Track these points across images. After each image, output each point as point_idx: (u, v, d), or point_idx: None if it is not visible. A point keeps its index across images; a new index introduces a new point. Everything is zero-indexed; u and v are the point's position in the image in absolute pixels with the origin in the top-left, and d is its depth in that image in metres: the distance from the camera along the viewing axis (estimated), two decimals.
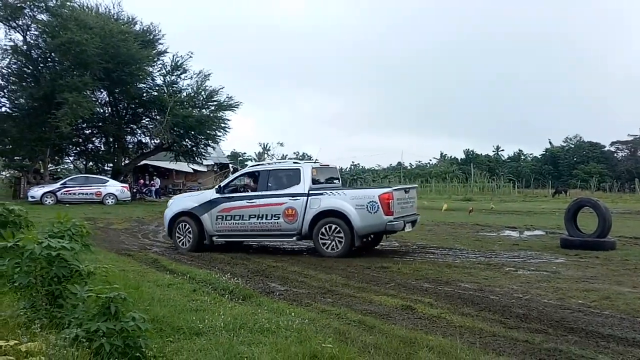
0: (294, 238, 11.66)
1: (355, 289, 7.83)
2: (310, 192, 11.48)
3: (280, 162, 13.06)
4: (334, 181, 12.79)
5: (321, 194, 11.42)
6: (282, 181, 11.99)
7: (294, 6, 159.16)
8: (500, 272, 9.31)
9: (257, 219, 11.77)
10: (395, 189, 11.23)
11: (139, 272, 8.85)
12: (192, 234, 12.30)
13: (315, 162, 12.64)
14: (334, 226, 11.12)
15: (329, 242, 11.16)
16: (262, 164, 13.71)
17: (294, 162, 12.67)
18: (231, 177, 13.46)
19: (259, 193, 11.96)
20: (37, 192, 29.21)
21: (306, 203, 11.41)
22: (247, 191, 12.51)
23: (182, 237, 12.47)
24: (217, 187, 12.86)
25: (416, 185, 14.13)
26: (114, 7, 37.39)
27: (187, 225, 12.38)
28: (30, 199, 28.61)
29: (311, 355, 4.54)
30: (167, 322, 5.48)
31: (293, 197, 11.53)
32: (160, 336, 4.96)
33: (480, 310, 6.56)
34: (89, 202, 29.09)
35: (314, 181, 11.73)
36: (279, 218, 11.57)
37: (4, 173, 46.35)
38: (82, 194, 29.81)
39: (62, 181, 31.22)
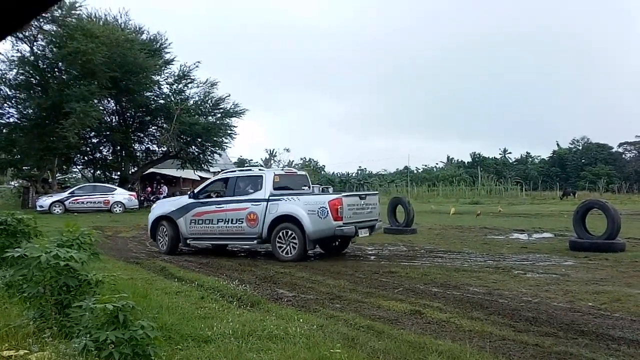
0: (255, 242, 12.11)
1: (364, 294, 7.81)
2: (270, 197, 11.86)
3: (246, 169, 13.74)
4: (303, 188, 13.09)
5: (279, 199, 11.78)
6: (247, 187, 12.46)
7: (301, 10, 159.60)
8: (509, 275, 9.27)
9: (224, 223, 12.32)
10: (345, 196, 11.61)
11: (147, 280, 8.86)
12: (169, 237, 12.99)
13: (282, 169, 13.35)
14: (289, 231, 11.45)
15: (285, 246, 11.51)
16: (233, 171, 14.43)
17: (259, 169, 13.22)
18: (204, 183, 14.00)
19: (227, 198, 12.54)
20: (45, 201, 29.37)
21: (266, 208, 11.81)
22: (218, 197, 13.04)
23: (162, 240, 13.19)
24: (190, 192, 13.59)
25: (377, 192, 14.31)
26: (121, 17, 37.64)
27: (165, 229, 13.11)
28: (38, 208, 28.77)
29: None
30: (176, 329, 5.47)
31: (255, 202, 11.99)
32: (169, 344, 4.95)
33: (489, 314, 6.53)
34: (97, 211, 29.22)
35: (278, 187, 12.13)
36: (242, 222, 12.06)
37: (12, 183, 46.67)
38: (90, 202, 29.94)
39: (70, 190, 31.35)
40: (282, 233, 11.53)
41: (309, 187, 13.42)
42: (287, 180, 12.76)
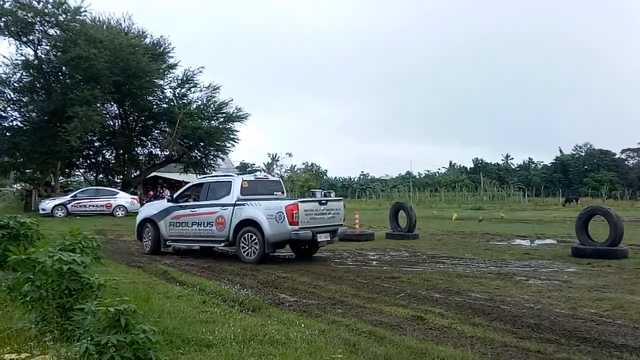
0: (223, 244, 12.84)
1: (365, 300, 7.80)
2: (236, 202, 12.45)
3: (219, 175, 14.66)
4: (276, 193, 13.49)
5: (243, 204, 12.35)
6: (218, 192, 13.05)
7: (301, 13, 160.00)
8: (511, 281, 9.25)
9: (197, 226, 13.08)
10: (301, 201, 12.13)
11: (148, 284, 8.87)
12: (152, 238, 13.88)
13: (253, 175, 14.15)
14: (251, 234, 11.99)
15: (248, 248, 12.06)
16: (207, 177, 15.12)
17: (230, 175, 13.96)
18: (183, 188, 14.77)
19: (200, 202, 13.27)
20: (48, 204, 29.43)
21: (232, 212, 12.43)
22: (194, 201, 13.71)
23: (146, 240, 14.11)
24: (168, 197, 14.83)
25: (340, 198, 14.69)
26: (124, 21, 37.81)
27: (149, 230, 14.02)
28: (41, 211, 28.84)
29: None
30: (177, 334, 5.47)
31: (223, 206, 12.64)
32: (170, 348, 4.95)
33: (491, 320, 6.51)
34: (100, 214, 29.27)
35: (247, 193, 12.67)
36: (212, 225, 12.76)
37: (15, 186, 46.73)
38: (93, 206, 29.99)
39: (73, 193, 31.42)
40: (246, 236, 12.09)
41: (283, 193, 13.88)
42: (257, 185, 13.24)
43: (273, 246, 11.94)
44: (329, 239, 12.42)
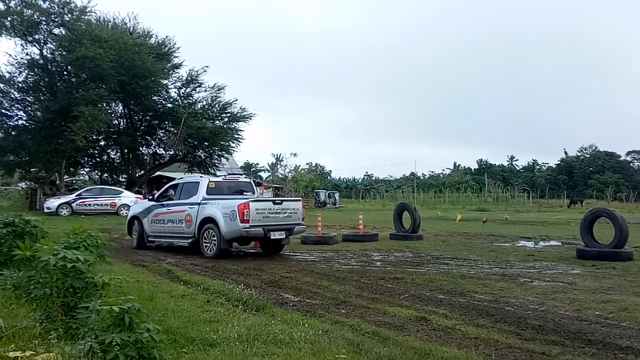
0: (190, 240, 13.47)
1: (369, 300, 7.79)
2: (201, 202, 13.32)
3: (191, 176, 15.61)
4: (246, 193, 14.34)
5: (206, 203, 13.20)
6: (189, 192, 13.97)
7: (307, 16, 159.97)
8: (515, 283, 9.22)
9: (171, 223, 14.03)
10: (253, 201, 12.78)
11: (153, 283, 8.87)
12: (138, 234, 14.98)
13: (223, 176, 14.98)
14: (211, 231, 12.82)
15: (208, 244, 12.89)
16: (183, 178, 16.15)
17: (200, 176, 15.06)
18: (163, 188, 15.78)
19: (175, 202, 14.22)
20: (53, 203, 29.52)
21: (197, 211, 13.27)
22: (170, 200, 14.55)
23: (134, 236, 15.19)
24: (149, 196, 15.91)
25: (299, 199, 15.54)
26: (129, 20, 37.93)
27: (136, 227, 15.11)
28: (46, 210, 28.93)
29: None
30: (181, 333, 5.47)
31: (191, 205, 13.52)
32: (174, 347, 4.95)
33: (495, 321, 6.49)
34: (104, 213, 29.33)
35: (213, 193, 13.52)
36: (182, 223, 13.66)
37: (20, 184, 46.91)
38: (97, 205, 30.07)
39: (78, 192, 31.51)
40: (206, 233, 12.95)
41: (254, 193, 14.67)
42: (225, 186, 14.24)
43: (228, 242, 12.70)
44: (284, 236, 12.95)
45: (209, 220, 12.85)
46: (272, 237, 12.70)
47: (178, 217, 13.75)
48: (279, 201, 13.45)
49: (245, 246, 14.54)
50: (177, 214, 13.81)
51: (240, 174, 17.54)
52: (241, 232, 12.33)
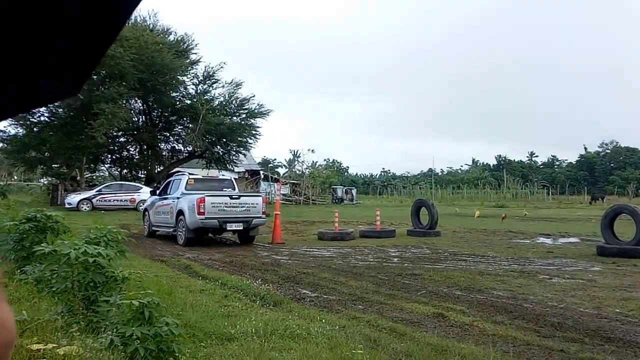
0: (172, 230, 15.08)
1: (386, 296, 7.79)
2: (179, 196, 14.85)
3: (180, 174, 17.32)
4: (225, 190, 15.71)
5: (181, 198, 14.71)
6: (175, 187, 15.63)
7: (330, 13, 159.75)
8: (534, 279, 9.15)
9: (163, 215, 15.72)
10: (208, 195, 14.01)
11: (171, 278, 8.96)
12: (148, 224, 16.82)
13: (204, 175, 17.34)
14: (182, 222, 14.27)
15: (181, 233, 14.37)
16: (176, 174, 17.77)
17: (183, 174, 16.69)
18: (163, 184, 18.08)
19: (167, 195, 15.82)
20: (73, 199, 29.88)
21: (176, 204, 14.71)
22: (166, 194, 16.15)
23: (146, 226, 17.08)
24: (152, 190, 19.01)
25: (259, 195, 17.64)
26: (149, 18, 38.14)
27: (147, 218, 17.01)
28: (67, 205, 29.29)
29: None
30: (200, 327, 5.53)
31: (173, 199, 15.11)
32: (192, 341, 5.01)
33: (513, 318, 6.45)
34: (124, 209, 29.62)
35: (192, 189, 14.94)
36: (168, 215, 15.29)
37: (42, 180, 47.60)
38: (117, 200, 30.38)
39: (98, 188, 31.84)
40: (180, 224, 14.42)
41: (234, 189, 16.05)
42: (205, 183, 15.84)
43: (193, 232, 13.99)
44: (240, 228, 14.22)
45: (181, 213, 14.30)
46: (227, 229, 14.19)
47: (167, 210, 15.37)
48: (237, 196, 14.61)
49: (219, 236, 15.95)
50: (166, 207, 15.45)
51: (221, 174, 20.19)
52: (198, 224, 13.67)
